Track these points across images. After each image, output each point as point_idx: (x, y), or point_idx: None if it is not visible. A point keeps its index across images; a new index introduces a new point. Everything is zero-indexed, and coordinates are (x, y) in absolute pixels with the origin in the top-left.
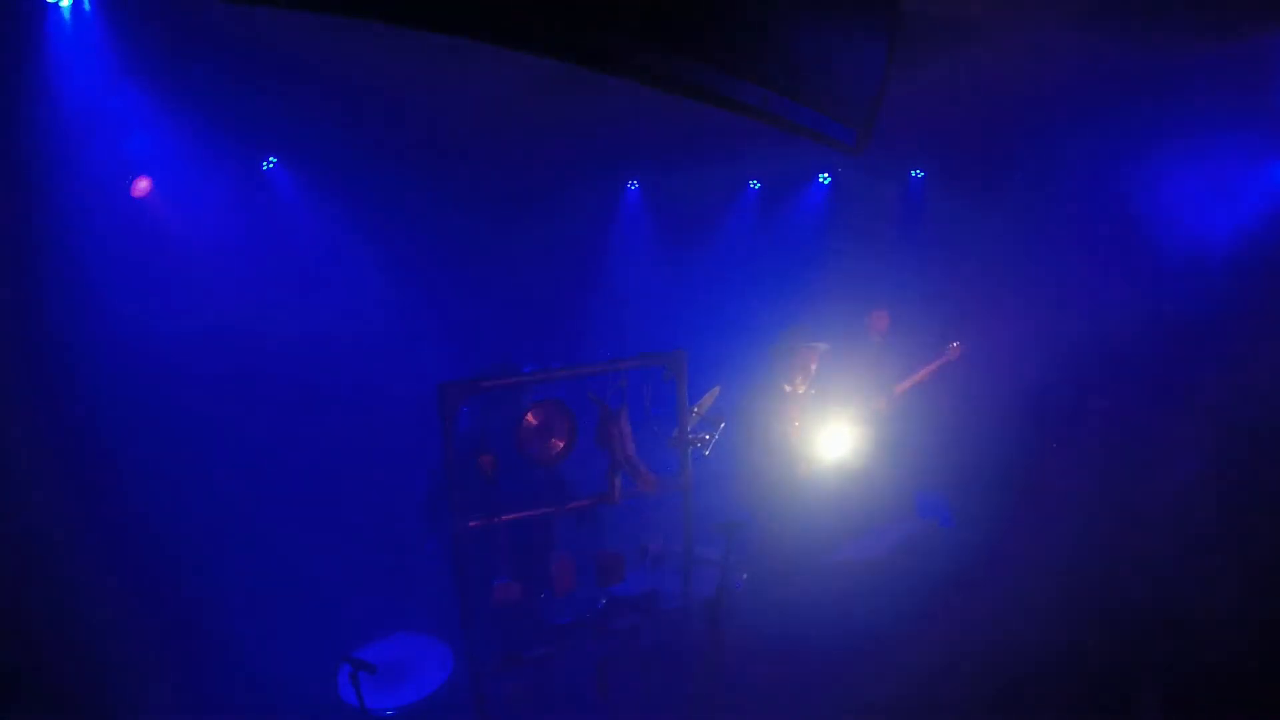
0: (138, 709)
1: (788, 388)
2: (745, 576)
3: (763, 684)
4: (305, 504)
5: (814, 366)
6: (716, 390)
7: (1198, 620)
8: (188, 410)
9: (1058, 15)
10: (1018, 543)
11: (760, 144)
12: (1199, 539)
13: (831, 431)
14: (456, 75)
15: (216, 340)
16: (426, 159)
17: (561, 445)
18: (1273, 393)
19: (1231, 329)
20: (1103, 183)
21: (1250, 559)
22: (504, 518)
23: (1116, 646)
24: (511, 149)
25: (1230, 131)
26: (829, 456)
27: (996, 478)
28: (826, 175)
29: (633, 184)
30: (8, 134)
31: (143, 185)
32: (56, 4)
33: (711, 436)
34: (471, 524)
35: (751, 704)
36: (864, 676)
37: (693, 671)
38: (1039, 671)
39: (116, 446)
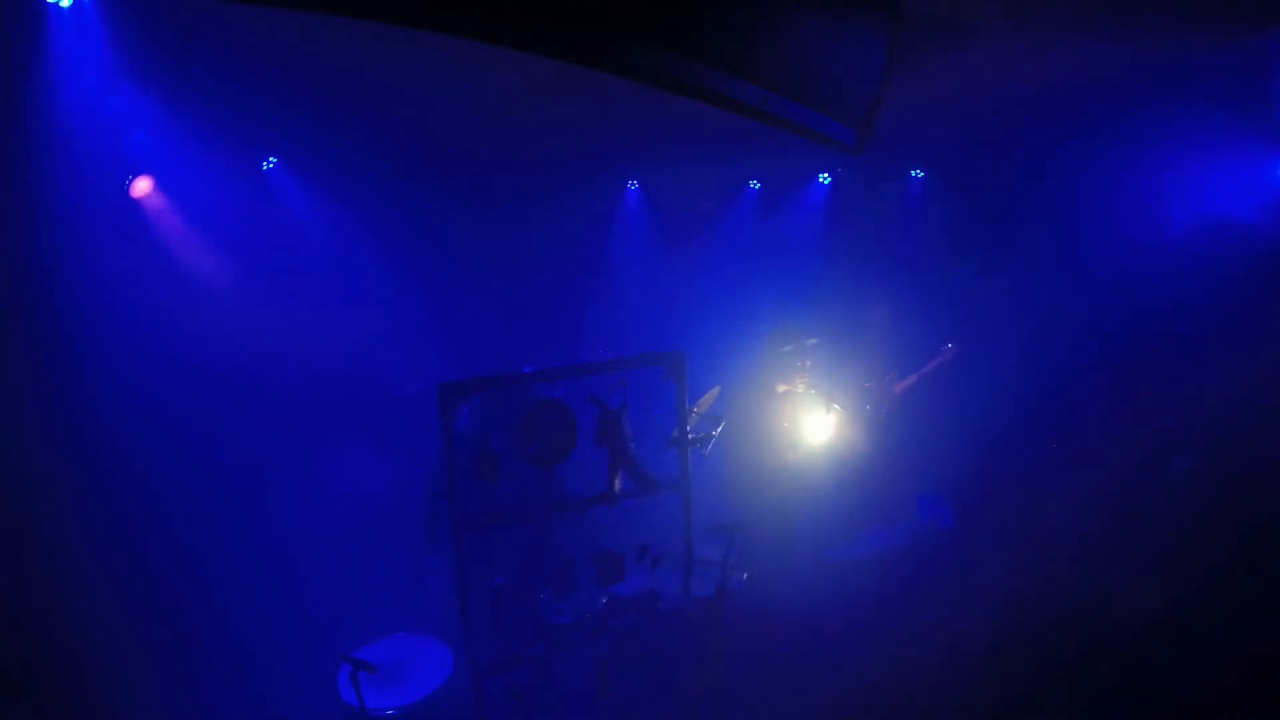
0: (138, 709)
1: (783, 387)
2: (745, 576)
3: (762, 684)
4: (306, 504)
5: (809, 363)
6: (716, 390)
7: (1197, 622)
8: (187, 410)
9: (1057, 16)
10: (1017, 543)
11: (760, 144)
12: (1198, 540)
13: (820, 421)
14: (456, 75)
15: (216, 340)
16: (426, 158)
17: None
18: (1272, 394)
19: (1231, 329)
20: (1102, 183)
21: (1251, 561)
22: (504, 518)
23: (1116, 649)
24: (512, 149)
25: (1230, 132)
26: (815, 440)
27: (996, 478)
28: (826, 175)
29: (633, 184)
30: (8, 134)
31: (143, 185)
32: (57, 4)
33: (712, 436)
34: (471, 525)
35: (750, 704)
36: (863, 676)
37: (693, 671)
38: (1040, 672)
39: (116, 447)
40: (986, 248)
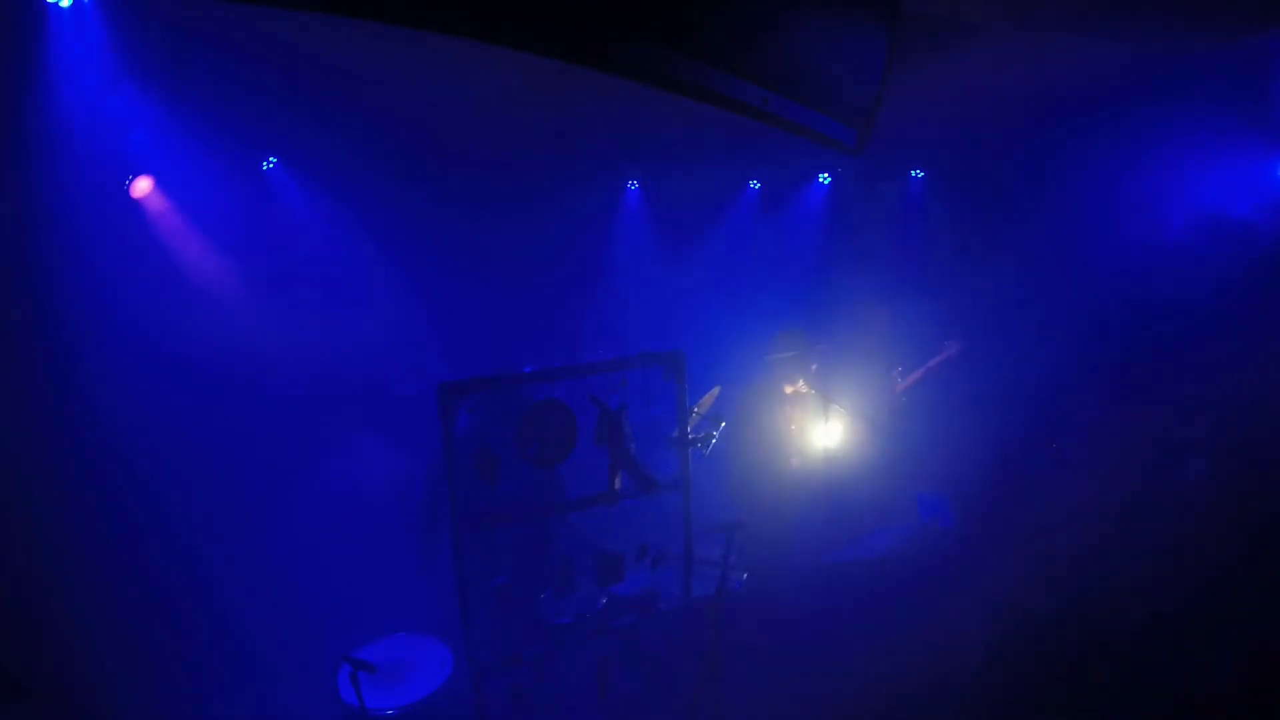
0: (138, 709)
1: (789, 389)
2: (745, 576)
3: (762, 684)
4: (306, 504)
5: (814, 367)
6: (716, 390)
7: (1198, 622)
8: (187, 411)
9: (1057, 16)
10: (1017, 544)
11: (760, 144)
12: (1199, 541)
13: (826, 425)
14: (457, 75)
15: (216, 340)
16: (426, 158)
17: None
18: (1272, 393)
19: (1231, 329)
20: (1102, 183)
21: (1252, 561)
22: (504, 518)
23: (1116, 649)
24: (512, 149)
25: (1230, 133)
26: (820, 445)
27: (997, 478)
28: (826, 175)
29: (633, 184)
30: (8, 134)
31: (143, 185)
32: (57, 4)
33: (712, 436)
34: (471, 525)
35: (750, 704)
36: (863, 676)
37: (693, 671)
38: (1040, 672)
39: (116, 447)
40: (986, 247)
